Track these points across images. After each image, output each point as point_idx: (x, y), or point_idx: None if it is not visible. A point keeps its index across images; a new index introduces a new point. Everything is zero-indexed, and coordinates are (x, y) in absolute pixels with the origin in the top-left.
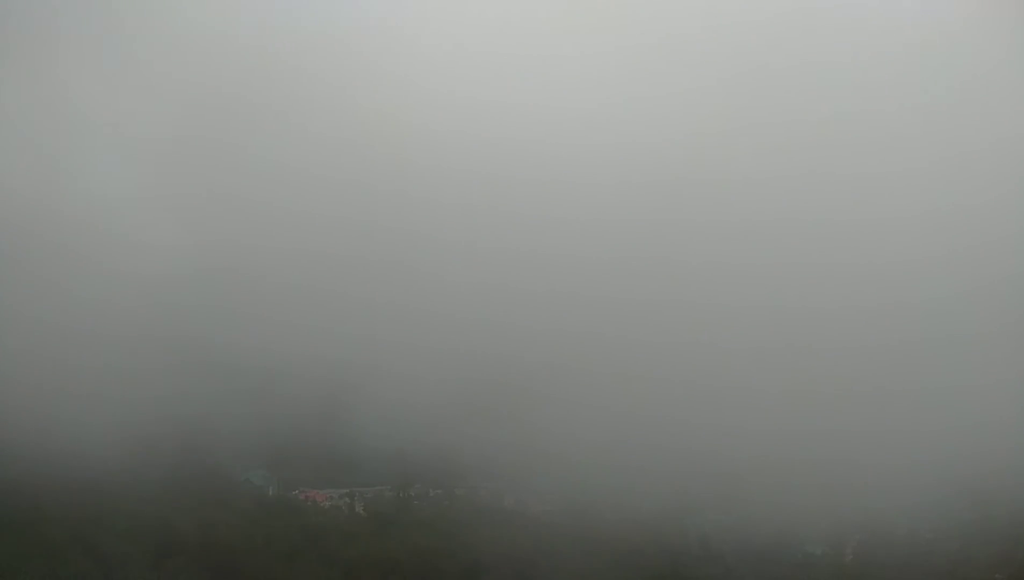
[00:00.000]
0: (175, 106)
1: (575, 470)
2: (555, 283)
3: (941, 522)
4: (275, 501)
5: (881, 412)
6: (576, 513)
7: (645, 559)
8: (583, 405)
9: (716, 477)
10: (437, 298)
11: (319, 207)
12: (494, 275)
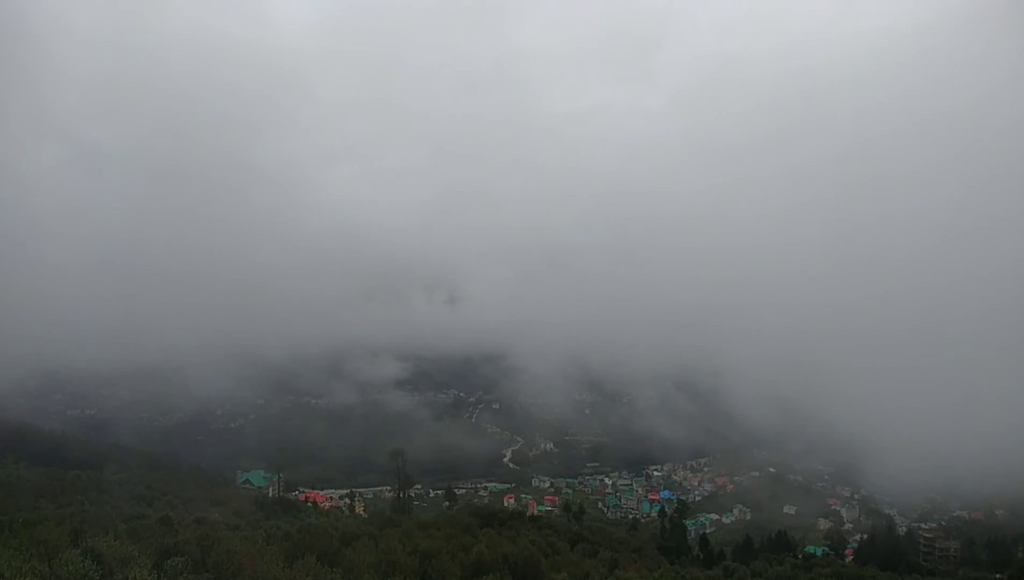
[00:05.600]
0: None
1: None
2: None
3: (941, 522)
4: (275, 501)
5: (882, 412)
6: (577, 513)
7: (645, 559)
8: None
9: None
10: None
11: None
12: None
